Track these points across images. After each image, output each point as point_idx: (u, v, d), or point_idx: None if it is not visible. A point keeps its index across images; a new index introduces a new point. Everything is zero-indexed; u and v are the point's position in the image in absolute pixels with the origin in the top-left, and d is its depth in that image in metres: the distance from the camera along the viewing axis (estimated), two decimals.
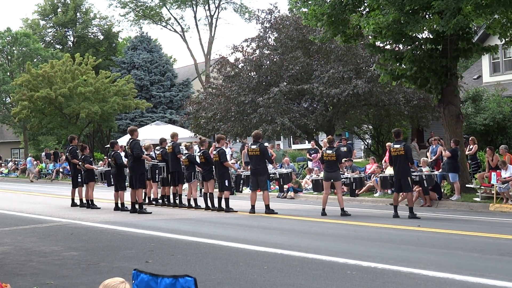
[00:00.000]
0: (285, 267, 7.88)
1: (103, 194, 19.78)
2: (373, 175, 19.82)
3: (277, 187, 20.44)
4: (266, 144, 20.04)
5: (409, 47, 17.83)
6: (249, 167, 16.36)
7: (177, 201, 16.91)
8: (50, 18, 54.22)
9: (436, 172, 17.24)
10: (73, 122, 39.05)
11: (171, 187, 17.28)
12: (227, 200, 15.39)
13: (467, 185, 17.50)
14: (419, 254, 8.77)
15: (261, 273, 7.51)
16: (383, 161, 20.79)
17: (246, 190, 19.68)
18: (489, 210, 15.86)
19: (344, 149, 21.83)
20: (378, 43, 18.31)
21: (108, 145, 17.49)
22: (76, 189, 17.37)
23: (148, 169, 16.66)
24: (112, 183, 16.68)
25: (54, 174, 35.03)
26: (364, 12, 17.33)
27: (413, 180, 14.83)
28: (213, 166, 15.78)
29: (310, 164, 23.78)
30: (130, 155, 15.52)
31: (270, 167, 17.57)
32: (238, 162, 25.04)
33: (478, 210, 16.02)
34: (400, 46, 19.86)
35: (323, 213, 14.35)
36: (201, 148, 16.27)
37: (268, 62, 27.58)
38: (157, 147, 17.89)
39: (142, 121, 42.13)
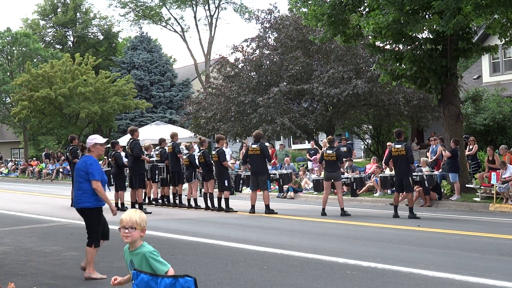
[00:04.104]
0: (285, 267, 7.88)
1: None
2: (373, 175, 19.81)
3: (277, 187, 20.43)
4: (266, 143, 20.02)
5: (409, 47, 17.83)
6: (248, 167, 16.35)
7: (177, 201, 16.91)
8: (50, 18, 54.22)
9: (436, 172, 17.23)
10: (73, 122, 39.05)
11: (171, 187, 17.29)
12: (227, 200, 15.39)
13: (467, 185, 17.49)
14: (419, 254, 8.78)
15: (261, 273, 7.51)
16: (383, 161, 20.76)
17: (246, 190, 19.67)
18: (489, 210, 15.85)
19: (344, 149, 21.81)
20: (378, 43, 18.30)
21: (109, 145, 17.46)
22: None
23: (148, 169, 16.66)
24: (112, 183, 16.68)
25: (54, 174, 35.01)
26: (364, 12, 17.33)
27: (414, 180, 14.83)
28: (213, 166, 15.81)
29: (310, 164, 23.76)
30: (130, 155, 15.53)
31: (270, 167, 17.55)
32: (238, 162, 25.02)
33: (478, 210, 16.01)
34: (400, 46, 19.86)
35: (323, 213, 14.35)
36: (201, 148, 16.28)
37: (268, 62, 27.58)
38: (156, 147, 17.88)
39: (142, 121, 42.12)
